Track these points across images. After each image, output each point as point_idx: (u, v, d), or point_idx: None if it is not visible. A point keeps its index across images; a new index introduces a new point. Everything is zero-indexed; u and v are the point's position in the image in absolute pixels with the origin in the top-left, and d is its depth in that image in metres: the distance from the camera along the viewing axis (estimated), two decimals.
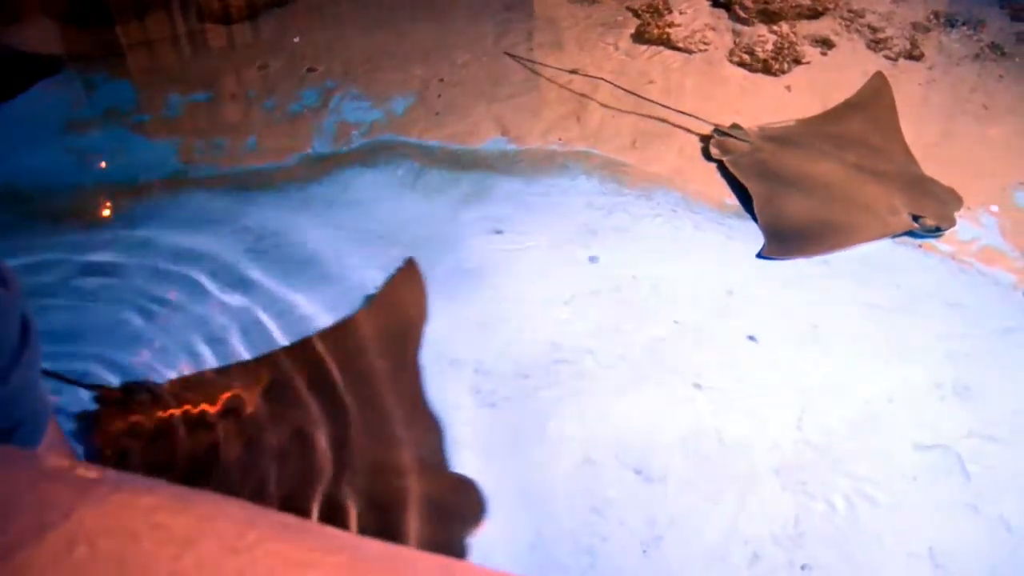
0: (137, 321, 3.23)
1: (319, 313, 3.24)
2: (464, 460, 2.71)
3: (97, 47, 4.93)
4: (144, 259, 3.51)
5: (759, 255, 3.47)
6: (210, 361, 3.04)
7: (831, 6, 4.87)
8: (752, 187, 3.72)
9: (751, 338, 3.13)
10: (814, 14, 4.82)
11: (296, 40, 4.86)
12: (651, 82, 4.49)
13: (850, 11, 4.86)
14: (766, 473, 2.68)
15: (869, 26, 4.77)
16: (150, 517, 0.68)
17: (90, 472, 0.72)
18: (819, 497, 2.62)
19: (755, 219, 3.62)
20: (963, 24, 4.78)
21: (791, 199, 3.65)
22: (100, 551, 0.64)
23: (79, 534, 0.65)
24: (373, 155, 4.09)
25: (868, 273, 3.40)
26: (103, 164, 4.10)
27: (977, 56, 4.58)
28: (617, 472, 2.69)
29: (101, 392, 2.83)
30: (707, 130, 4.07)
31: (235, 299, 3.31)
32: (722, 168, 3.90)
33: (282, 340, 3.11)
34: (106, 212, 3.81)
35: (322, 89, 4.60)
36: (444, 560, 0.75)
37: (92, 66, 4.77)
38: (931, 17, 4.85)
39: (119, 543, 0.65)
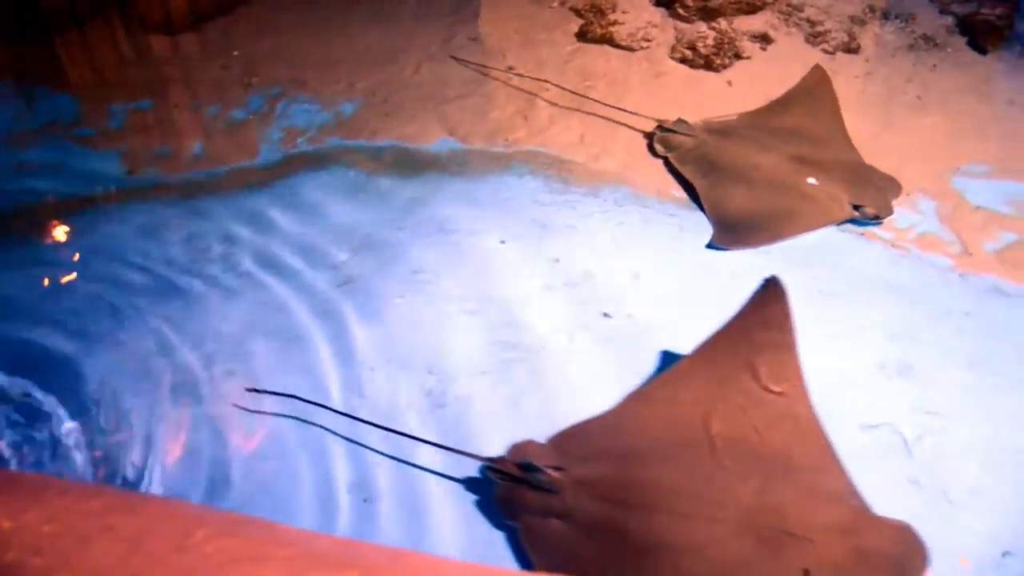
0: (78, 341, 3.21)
1: (265, 319, 3.25)
2: (421, 455, 2.76)
3: (36, 60, 4.86)
4: (90, 271, 3.49)
5: (709, 245, 3.54)
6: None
7: (769, 1, 4.97)
8: (697, 181, 3.79)
9: (702, 323, 3.19)
10: (753, 10, 4.91)
11: (236, 54, 4.83)
12: (595, 80, 4.54)
13: (788, 6, 4.97)
14: None
15: (807, 20, 4.88)
16: (99, 520, 0.70)
17: (36, 480, 0.74)
18: None
19: (703, 210, 3.69)
20: (896, 17, 4.91)
21: (736, 191, 3.72)
22: (51, 555, 0.66)
23: (29, 541, 0.67)
24: (322, 159, 4.10)
25: (813, 260, 3.48)
26: (46, 177, 4.04)
27: (911, 47, 4.71)
28: None
29: (495, 465, 2.56)
30: (652, 126, 4.14)
31: (171, 309, 3.31)
32: (668, 162, 3.97)
33: (242, 344, 3.12)
34: (51, 226, 3.77)
35: (269, 95, 4.59)
36: (392, 550, 0.78)
37: (31, 79, 4.70)
38: (866, 10, 4.97)
39: (69, 546, 0.67)
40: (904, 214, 3.68)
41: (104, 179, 4.05)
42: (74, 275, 3.50)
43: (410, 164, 4.04)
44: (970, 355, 3.09)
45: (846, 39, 4.74)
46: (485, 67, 4.66)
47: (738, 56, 4.66)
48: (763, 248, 3.52)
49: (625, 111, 4.23)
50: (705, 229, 3.61)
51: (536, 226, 3.64)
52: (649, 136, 4.12)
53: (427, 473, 2.75)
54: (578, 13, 5.04)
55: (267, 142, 4.20)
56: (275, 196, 3.87)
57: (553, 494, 2.43)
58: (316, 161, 4.08)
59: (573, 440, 2.63)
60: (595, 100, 4.32)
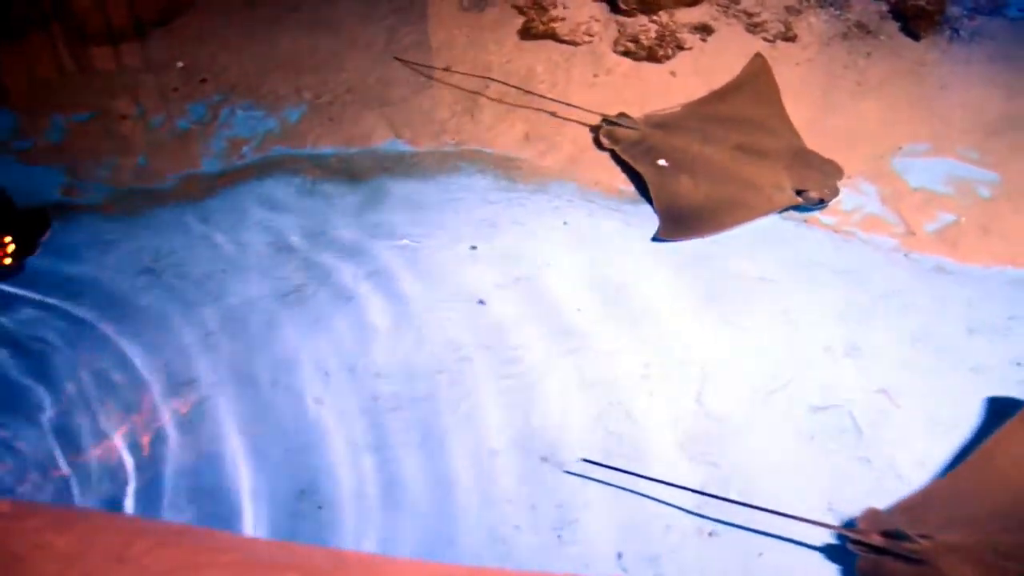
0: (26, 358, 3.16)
1: (219, 329, 3.23)
2: (365, 463, 2.76)
3: None
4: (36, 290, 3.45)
5: (655, 238, 3.58)
6: None
7: None
8: (644, 172, 3.82)
9: (651, 317, 3.24)
10: (692, 2, 4.95)
11: (180, 65, 4.76)
12: (540, 76, 4.56)
13: None
14: (671, 446, 2.79)
15: (745, 11, 4.93)
16: (33, 538, 0.70)
17: None
18: (722, 465, 2.74)
19: (651, 203, 3.73)
20: (831, 5, 4.99)
21: (682, 182, 3.76)
22: None
23: None
24: (268, 166, 4.06)
25: (758, 248, 3.54)
26: None
27: (846, 35, 4.79)
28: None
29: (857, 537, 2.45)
30: (597, 120, 4.17)
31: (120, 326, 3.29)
32: (615, 156, 4.00)
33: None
34: None
35: (212, 103, 4.53)
36: (334, 551, 0.78)
37: None
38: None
39: (3, 567, 0.66)
40: (847, 197, 3.75)
41: (44, 193, 3.98)
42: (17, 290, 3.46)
43: (357, 168, 4.02)
44: (914, 333, 3.17)
45: (783, 28, 4.81)
46: (429, 67, 4.65)
47: (680, 47, 4.70)
48: (709, 238, 3.57)
49: (570, 106, 4.25)
50: (650, 222, 3.65)
51: (486, 225, 3.65)
52: (595, 130, 4.15)
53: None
54: (520, 11, 5.05)
55: (211, 152, 4.15)
56: (222, 204, 3.84)
57: (923, 564, 2.33)
58: (262, 169, 4.05)
59: (920, 508, 2.52)
60: (540, 96, 4.34)
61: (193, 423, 2.93)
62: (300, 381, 3.06)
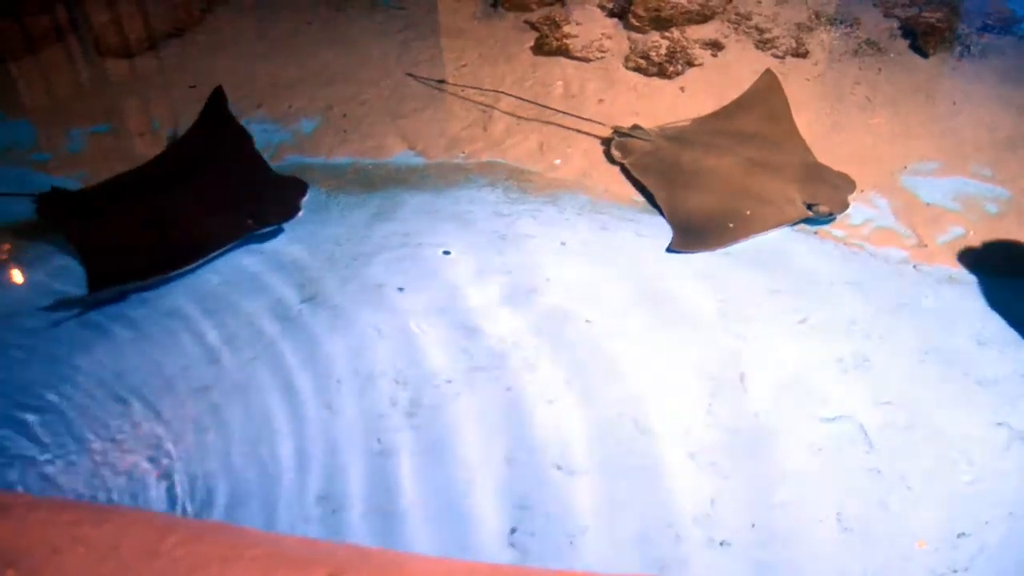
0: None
1: (234, 338, 3.26)
2: (388, 467, 2.79)
3: None
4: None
5: (668, 249, 3.61)
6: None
7: (719, 10, 5.07)
8: (654, 185, 3.86)
9: (662, 328, 3.26)
10: (703, 19, 5.01)
11: (192, 87, 4.81)
12: (552, 91, 4.61)
13: (737, 14, 5.08)
14: (682, 457, 2.81)
15: (756, 27, 4.98)
16: (71, 531, 0.73)
17: (4, 496, 0.76)
18: (732, 476, 2.75)
19: (663, 214, 3.76)
20: (842, 22, 5.04)
21: (693, 194, 3.80)
22: (24, 567, 0.69)
23: (1, 554, 0.70)
24: None
25: (770, 260, 3.56)
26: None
27: (856, 52, 4.83)
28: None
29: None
30: (609, 133, 4.21)
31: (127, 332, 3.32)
32: (626, 168, 4.04)
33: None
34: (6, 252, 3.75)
35: None
36: (358, 548, 0.81)
37: None
38: (813, 17, 5.09)
39: (42, 558, 0.69)
40: (858, 211, 3.78)
41: None
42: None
43: (370, 179, 4.07)
44: (923, 345, 3.18)
45: (794, 44, 4.86)
46: (442, 82, 4.70)
47: (690, 63, 4.75)
48: (720, 250, 3.60)
49: (582, 119, 4.29)
50: (663, 233, 3.68)
51: (496, 237, 3.68)
52: (606, 142, 4.19)
53: None
54: (533, 26, 5.11)
55: None
56: None
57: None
58: None
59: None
60: (552, 109, 4.39)
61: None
62: (311, 387, 3.09)
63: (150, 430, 2.92)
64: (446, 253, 3.61)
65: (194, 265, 3.56)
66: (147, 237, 3.64)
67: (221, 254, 3.64)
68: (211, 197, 3.80)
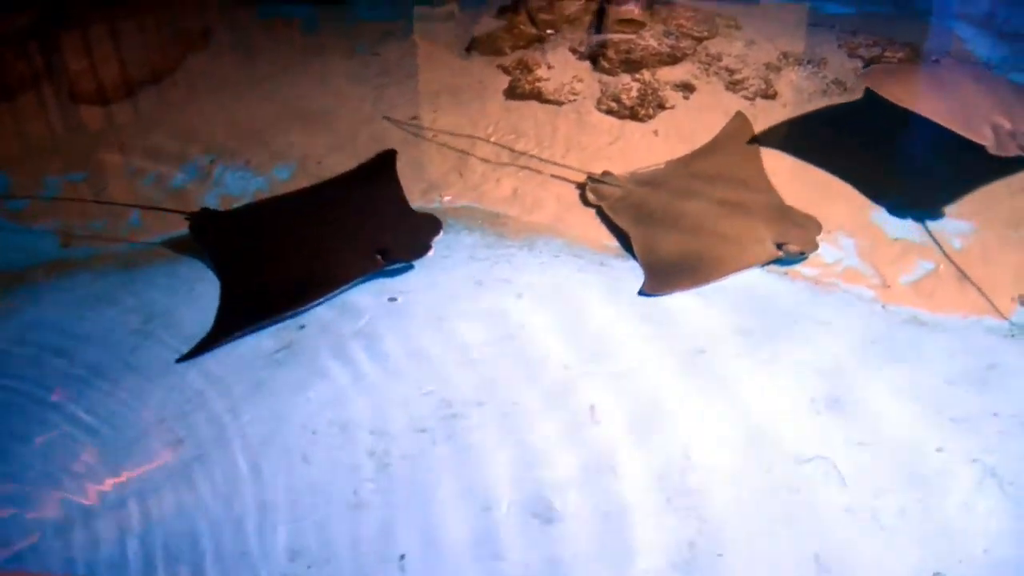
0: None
1: (212, 386, 3.26)
2: (365, 519, 2.78)
3: None
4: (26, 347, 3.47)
5: (640, 292, 3.64)
6: None
7: (689, 52, 5.17)
8: (629, 229, 3.91)
9: (638, 370, 3.29)
10: (674, 60, 5.11)
11: (163, 128, 4.83)
12: (526, 135, 4.67)
13: (707, 56, 5.17)
14: (659, 501, 2.82)
15: (726, 68, 5.08)
16: None
17: None
18: (709, 520, 2.76)
19: (635, 258, 3.81)
20: (809, 63, 5.15)
21: (666, 237, 3.85)
22: None
23: None
24: None
25: (741, 302, 3.60)
26: None
27: (824, 92, 4.94)
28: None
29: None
30: (582, 178, 4.26)
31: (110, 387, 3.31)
32: (600, 212, 4.09)
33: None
34: None
35: (204, 162, 4.62)
36: None
37: None
38: (781, 57, 5.20)
39: None
40: (826, 250, 3.83)
41: (39, 253, 4.03)
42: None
43: None
44: (895, 384, 3.22)
45: (763, 86, 4.95)
46: (418, 126, 4.76)
47: (662, 106, 4.83)
48: (692, 291, 3.64)
49: (556, 163, 4.35)
50: (636, 277, 3.72)
51: (471, 283, 3.71)
52: (580, 186, 4.25)
53: None
54: (506, 71, 5.19)
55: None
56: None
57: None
58: None
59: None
60: (526, 154, 4.44)
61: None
62: (285, 437, 3.08)
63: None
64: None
65: (319, 301, 3.60)
66: (279, 271, 3.72)
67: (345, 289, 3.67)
68: (344, 230, 3.83)
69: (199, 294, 3.72)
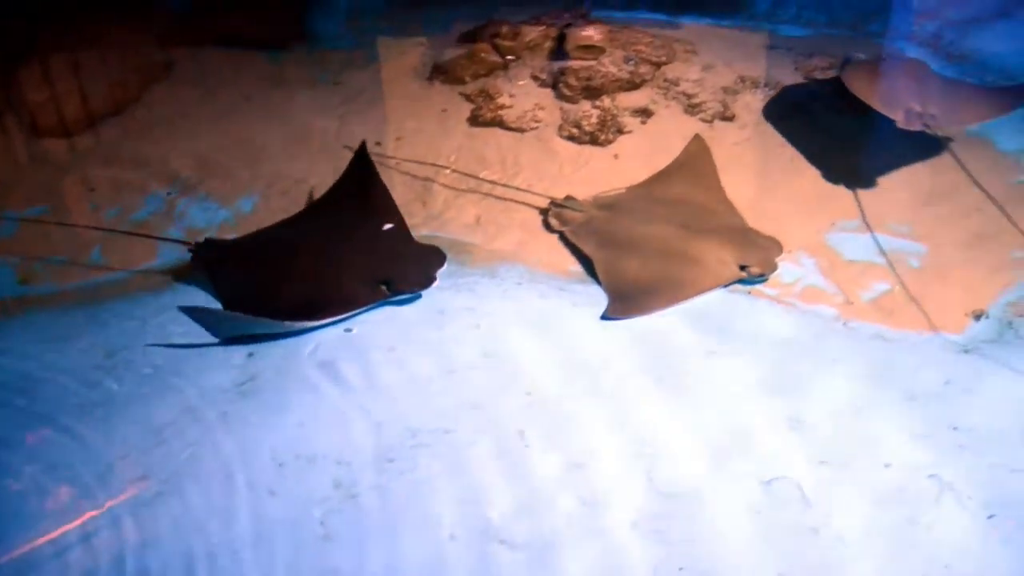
0: None
1: (174, 423, 3.23)
2: (332, 551, 2.76)
3: None
4: None
5: (604, 316, 3.67)
6: None
7: (648, 77, 5.24)
8: (592, 253, 3.94)
9: (601, 396, 3.31)
10: (633, 86, 5.17)
11: (126, 157, 4.80)
12: (489, 162, 4.71)
13: (665, 80, 5.25)
14: (625, 526, 2.83)
15: (684, 93, 5.15)
16: None
17: None
18: (674, 542, 2.78)
19: (599, 282, 3.84)
20: (765, 85, 5.24)
21: (628, 261, 3.88)
22: None
23: None
24: None
25: (703, 323, 3.64)
26: None
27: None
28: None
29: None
30: (546, 203, 4.30)
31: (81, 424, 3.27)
32: (563, 238, 4.13)
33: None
34: None
35: (166, 194, 4.60)
36: None
37: None
38: (738, 80, 5.28)
39: None
40: (787, 269, 3.89)
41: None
42: None
43: None
44: (856, 402, 3.26)
45: (721, 109, 5.03)
46: (381, 156, 4.77)
47: (621, 131, 4.89)
48: (656, 314, 3.67)
49: (519, 190, 4.39)
50: (598, 302, 3.75)
51: (434, 312, 3.72)
52: (543, 212, 4.28)
53: None
54: (468, 98, 5.23)
55: (167, 244, 4.18)
56: (176, 299, 3.86)
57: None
58: None
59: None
60: (489, 181, 4.48)
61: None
62: (253, 472, 3.06)
63: None
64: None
65: (322, 324, 3.63)
66: (280, 293, 3.76)
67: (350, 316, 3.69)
68: (348, 261, 3.83)
69: (161, 326, 3.70)
